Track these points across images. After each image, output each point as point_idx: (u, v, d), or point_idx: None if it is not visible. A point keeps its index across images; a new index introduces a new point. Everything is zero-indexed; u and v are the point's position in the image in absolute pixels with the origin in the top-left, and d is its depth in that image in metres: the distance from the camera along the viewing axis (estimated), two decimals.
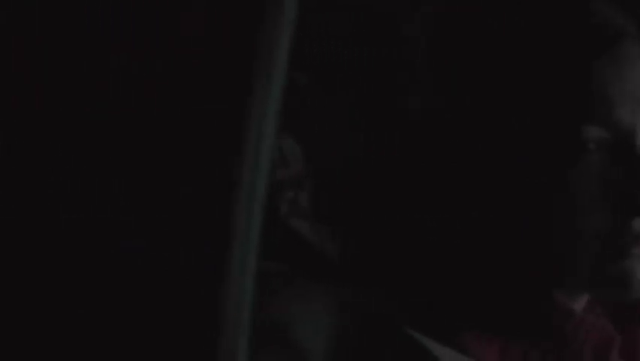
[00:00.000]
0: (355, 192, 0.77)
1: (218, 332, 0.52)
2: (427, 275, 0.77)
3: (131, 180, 0.52)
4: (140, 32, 0.52)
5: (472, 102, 0.78)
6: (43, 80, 0.53)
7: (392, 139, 0.78)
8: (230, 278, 0.52)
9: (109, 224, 0.52)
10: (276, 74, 0.52)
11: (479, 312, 0.77)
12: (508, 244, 0.77)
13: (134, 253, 0.52)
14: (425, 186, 0.77)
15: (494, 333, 0.77)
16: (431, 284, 0.76)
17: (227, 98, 0.52)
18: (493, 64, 0.79)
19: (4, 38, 0.52)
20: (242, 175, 0.52)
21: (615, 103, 0.77)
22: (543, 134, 0.77)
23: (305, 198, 1.10)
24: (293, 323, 0.75)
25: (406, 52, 0.79)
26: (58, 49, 0.52)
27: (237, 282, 0.52)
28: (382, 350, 0.75)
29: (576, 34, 0.78)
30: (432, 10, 0.81)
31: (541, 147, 0.77)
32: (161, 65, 0.52)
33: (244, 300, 0.53)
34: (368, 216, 0.78)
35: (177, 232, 0.52)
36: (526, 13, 0.80)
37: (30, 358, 0.52)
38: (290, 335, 0.75)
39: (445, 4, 0.81)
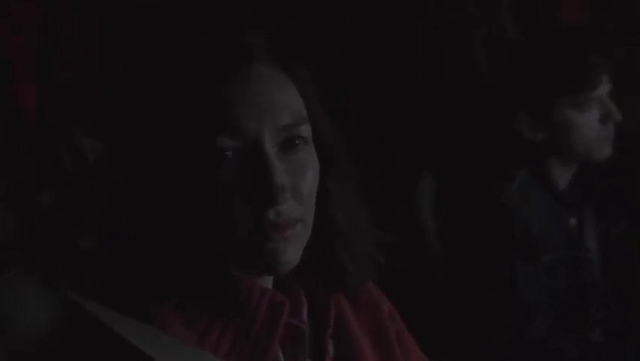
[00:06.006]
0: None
1: None
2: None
3: None
4: None
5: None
6: None
7: None
8: None
9: None
10: None
11: (170, 286, 0.94)
12: (188, 236, 0.94)
13: None
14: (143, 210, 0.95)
15: (181, 304, 0.94)
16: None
17: None
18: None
19: None
20: None
21: (242, 117, 0.92)
22: (186, 147, 0.92)
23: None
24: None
25: None
26: None
27: None
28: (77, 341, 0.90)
29: (205, 61, 0.93)
30: None
31: (186, 157, 0.92)
32: None
33: None
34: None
35: None
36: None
37: None
38: None
39: None
